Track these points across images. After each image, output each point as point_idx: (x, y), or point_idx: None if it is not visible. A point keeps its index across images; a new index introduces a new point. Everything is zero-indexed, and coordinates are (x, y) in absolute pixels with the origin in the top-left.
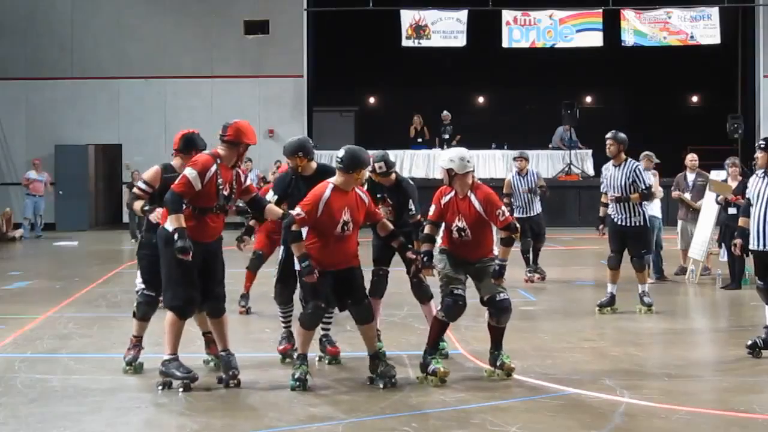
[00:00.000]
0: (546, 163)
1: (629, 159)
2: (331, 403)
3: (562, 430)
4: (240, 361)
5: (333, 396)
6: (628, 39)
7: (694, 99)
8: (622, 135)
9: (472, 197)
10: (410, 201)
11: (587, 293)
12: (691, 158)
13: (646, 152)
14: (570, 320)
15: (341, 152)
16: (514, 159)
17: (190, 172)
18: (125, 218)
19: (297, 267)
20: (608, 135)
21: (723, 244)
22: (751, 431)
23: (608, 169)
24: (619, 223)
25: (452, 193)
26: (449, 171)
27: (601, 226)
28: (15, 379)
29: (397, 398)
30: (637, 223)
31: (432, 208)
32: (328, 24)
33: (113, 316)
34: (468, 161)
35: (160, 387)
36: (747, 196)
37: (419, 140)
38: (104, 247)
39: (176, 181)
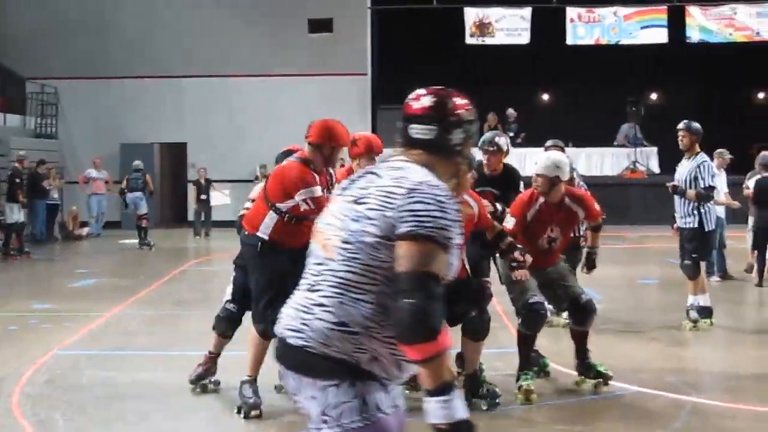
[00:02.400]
0: (611, 161)
1: (701, 153)
2: None
3: (627, 428)
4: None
5: None
6: (694, 35)
7: (761, 96)
8: (696, 125)
9: (568, 201)
10: (514, 194)
11: (651, 292)
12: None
13: (720, 149)
14: (633, 318)
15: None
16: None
17: (316, 191)
18: (190, 216)
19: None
20: (680, 126)
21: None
22: None
23: (681, 163)
24: (678, 222)
25: (540, 202)
26: (554, 179)
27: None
28: (81, 376)
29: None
30: (691, 224)
31: (511, 221)
32: (392, 22)
33: (178, 313)
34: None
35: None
36: None
37: None
38: (169, 245)
39: (313, 207)
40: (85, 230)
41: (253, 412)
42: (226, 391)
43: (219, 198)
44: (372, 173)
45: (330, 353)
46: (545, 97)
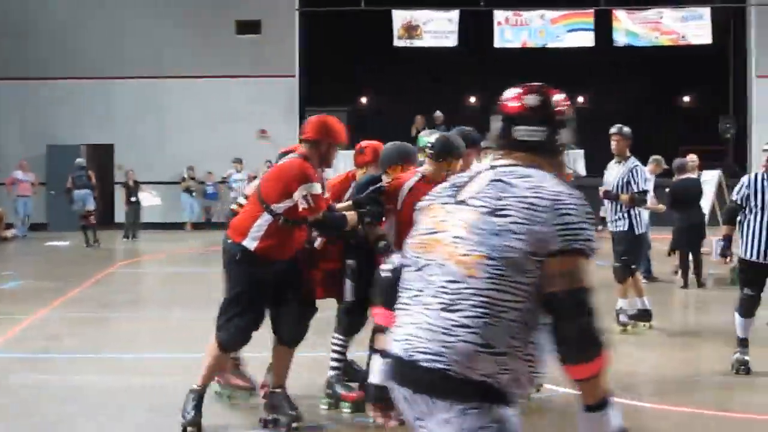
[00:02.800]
0: None
1: (632, 157)
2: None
3: (565, 430)
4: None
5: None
6: (620, 39)
7: (686, 99)
8: (628, 129)
9: None
10: None
11: None
12: (691, 159)
13: (656, 156)
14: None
15: (432, 138)
16: None
17: (317, 187)
18: (117, 218)
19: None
20: (614, 130)
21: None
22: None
23: (611, 166)
24: (609, 225)
25: None
26: None
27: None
28: (7, 379)
29: None
30: (622, 228)
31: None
32: (320, 24)
33: (106, 315)
34: None
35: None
36: (736, 199)
37: None
38: (95, 247)
39: (313, 205)
40: (10, 232)
41: (189, 429)
42: (156, 395)
43: (149, 199)
44: (498, 181)
45: (472, 376)
46: (473, 99)
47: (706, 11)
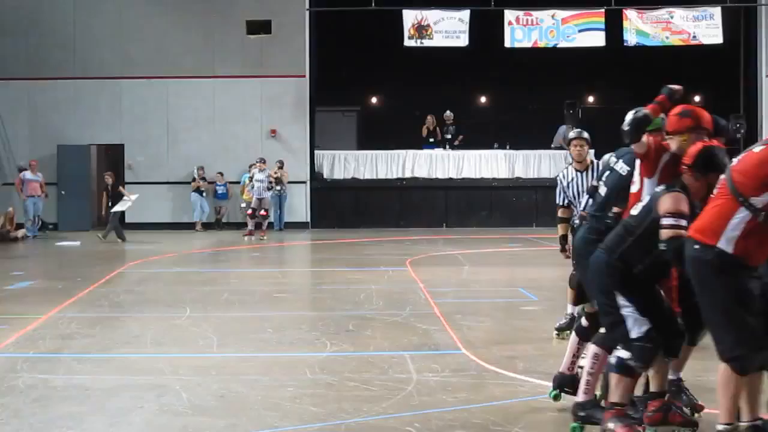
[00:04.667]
0: (548, 163)
1: (594, 161)
2: (335, 401)
3: (565, 430)
4: (240, 360)
5: (336, 395)
6: (631, 39)
7: (697, 99)
8: (586, 134)
9: None
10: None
11: None
12: None
13: None
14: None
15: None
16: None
17: None
18: (128, 218)
19: None
20: (574, 135)
21: None
22: None
23: (570, 175)
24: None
25: None
26: None
27: (568, 246)
28: (17, 379)
29: (400, 398)
30: None
31: None
32: (330, 24)
33: (115, 316)
34: None
35: None
36: None
37: (431, 140)
38: (106, 247)
39: None
40: (21, 232)
41: None
42: (165, 395)
43: (122, 205)
44: None
45: None
46: (483, 99)
47: (716, 11)
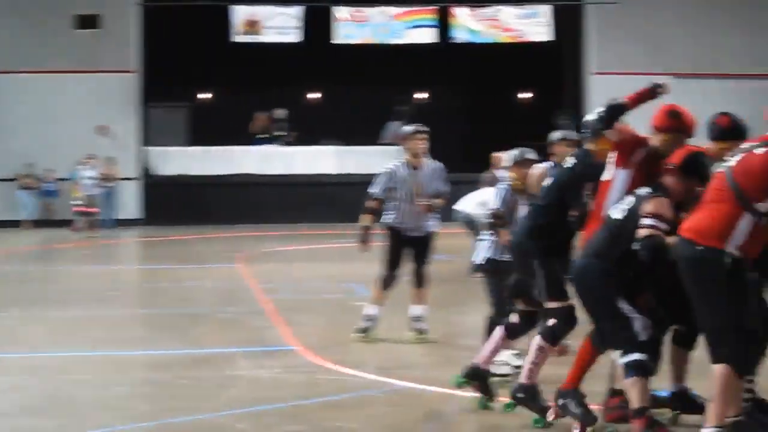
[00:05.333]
0: (381, 159)
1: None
2: (167, 399)
3: (397, 423)
4: (71, 360)
5: (169, 393)
6: (461, 36)
7: (526, 95)
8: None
9: None
10: None
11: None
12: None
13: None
14: (402, 314)
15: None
16: None
17: None
18: None
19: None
20: (422, 128)
21: None
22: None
23: (404, 170)
24: (409, 233)
25: None
26: None
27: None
28: None
29: (232, 395)
30: (430, 230)
31: None
32: (161, 19)
33: None
34: None
35: None
36: None
37: (263, 136)
38: None
39: None
40: None
41: None
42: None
43: None
44: None
45: None
46: (316, 96)
47: (544, 9)
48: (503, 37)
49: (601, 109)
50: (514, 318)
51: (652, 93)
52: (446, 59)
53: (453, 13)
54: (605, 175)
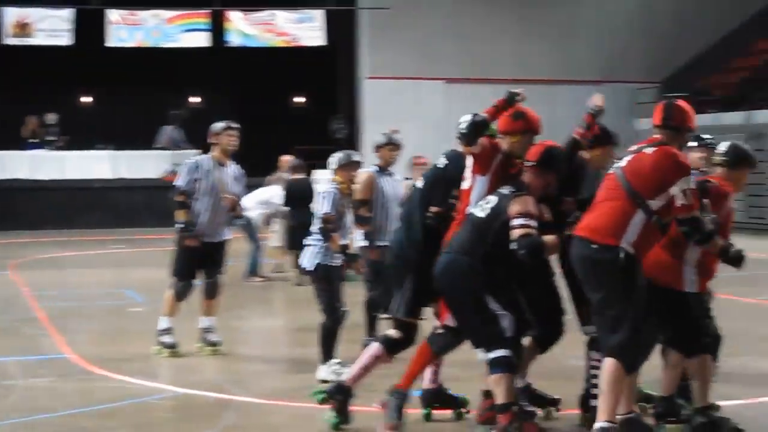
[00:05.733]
0: (154, 163)
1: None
2: None
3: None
4: None
5: None
6: (235, 40)
7: (300, 100)
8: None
9: None
10: None
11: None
12: (287, 159)
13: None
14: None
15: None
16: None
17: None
18: None
19: None
20: (230, 124)
21: None
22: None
23: (209, 164)
24: (205, 239)
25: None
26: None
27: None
28: None
29: (6, 405)
30: (225, 237)
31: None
32: None
33: None
34: None
35: None
36: None
37: (34, 141)
38: None
39: (689, 202)
40: None
41: None
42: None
43: None
44: None
45: None
46: (88, 99)
47: (317, 13)
48: (277, 42)
49: (465, 125)
50: (392, 333)
51: (509, 101)
52: (220, 63)
53: (227, 17)
54: (464, 184)
